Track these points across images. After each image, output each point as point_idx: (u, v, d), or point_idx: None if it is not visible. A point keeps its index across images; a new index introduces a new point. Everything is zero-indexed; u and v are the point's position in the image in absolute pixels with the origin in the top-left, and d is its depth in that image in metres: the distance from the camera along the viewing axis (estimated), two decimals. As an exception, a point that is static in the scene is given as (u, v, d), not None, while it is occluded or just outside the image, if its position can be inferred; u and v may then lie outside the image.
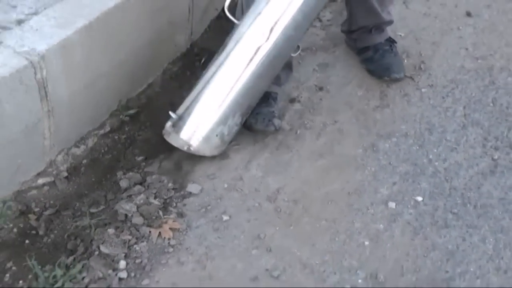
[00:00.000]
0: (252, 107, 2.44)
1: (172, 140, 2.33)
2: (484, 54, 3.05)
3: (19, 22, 2.22)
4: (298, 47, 2.51)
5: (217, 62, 2.33)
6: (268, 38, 2.27)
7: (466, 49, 3.06)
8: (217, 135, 2.33)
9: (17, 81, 2.06)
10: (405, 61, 2.93)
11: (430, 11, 3.25)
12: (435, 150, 2.55)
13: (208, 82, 2.31)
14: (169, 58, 2.78)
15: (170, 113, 2.31)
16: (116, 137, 2.52)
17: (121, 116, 2.57)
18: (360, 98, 2.78)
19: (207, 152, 2.36)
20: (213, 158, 2.46)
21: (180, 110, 2.33)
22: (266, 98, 2.55)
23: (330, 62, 2.94)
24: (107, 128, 2.53)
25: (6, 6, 2.28)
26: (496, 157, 2.53)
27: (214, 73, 2.31)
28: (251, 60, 2.29)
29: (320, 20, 3.09)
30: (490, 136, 2.63)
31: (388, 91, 2.80)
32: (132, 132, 2.56)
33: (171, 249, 2.11)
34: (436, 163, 2.49)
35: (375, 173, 2.44)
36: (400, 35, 3.01)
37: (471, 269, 2.12)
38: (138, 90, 2.67)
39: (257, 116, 2.48)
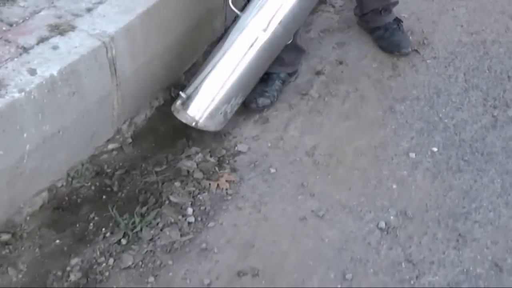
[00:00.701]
0: (252, 88, 2.48)
1: (181, 116, 2.34)
2: (477, 29, 3.12)
3: (88, 10, 2.28)
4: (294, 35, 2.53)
5: (222, 49, 2.35)
6: (266, 29, 2.31)
7: (461, 26, 3.13)
8: (221, 113, 2.36)
9: (93, 59, 2.15)
10: (411, 37, 3.00)
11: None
12: (444, 110, 2.65)
13: (214, 66, 2.33)
14: (208, 41, 2.82)
15: (180, 93, 2.34)
16: (168, 109, 2.56)
17: (171, 91, 2.64)
18: (375, 69, 2.85)
19: (211, 127, 2.38)
20: (255, 122, 2.56)
21: (189, 90, 2.34)
22: (264, 78, 2.58)
23: (346, 41, 3.00)
24: (161, 101, 2.62)
25: None
26: (495, 114, 2.65)
27: (220, 58, 2.33)
28: (250, 47, 2.32)
29: (333, 6, 3.14)
30: (488, 97, 2.73)
31: (399, 63, 2.88)
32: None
33: (229, 197, 2.24)
34: (446, 120, 2.61)
35: (395, 130, 2.54)
36: (404, 16, 3.06)
37: (484, 204, 2.27)
38: (184, 69, 2.71)
39: (250, 93, 2.52)
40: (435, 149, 2.48)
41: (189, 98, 2.32)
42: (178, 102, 2.35)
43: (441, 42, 3.04)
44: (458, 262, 2.07)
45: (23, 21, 2.21)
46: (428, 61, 2.93)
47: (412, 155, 2.45)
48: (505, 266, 2.06)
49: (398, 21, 2.99)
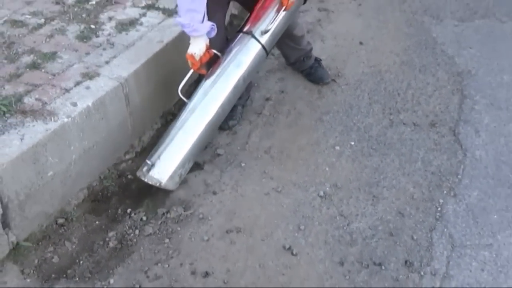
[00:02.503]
0: (202, 151, 2.48)
1: (147, 179, 2.28)
2: (374, 64, 3.24)
3: (107, 62, 2.47)
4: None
5: (176, 125, 2.34)
6: (210, 109, 2.36)
7: (363, 62, 3.26)
8: (178, 175, 2.32)
9: (114, 94, 2.35)
10: (329, 71, 3.08)
11: (338, 43, 3.45)
12: (356, 117, 2.83)
13: (171, 140, 2.31)
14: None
15: (146, 160, 2.29)
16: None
17: (166, 117, 2.77)
18: (307, 94, 2.98)
19: (171, 187, 2.33)
20: (227, 134, 2.68)
21: (153, 159, 2.29)
22: (231, 109, 2.57)
23: (285, 77, 3.11)
24: (159, 125, 2.74)
25: (97, 54, 2.52)
26: (391, 118, 2.83)
27: (175, 134, 2.32)
28: (197, 125, 2.34)
29: (273, 54, 3.22)
30: (386, 108, 2.91)
31: (322, 89, 3.02)
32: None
33: (215, 184, 2.42)
34: (358, 124, 2.78)
35: (324, 132, 2.72)
36: (323, 58, 3.15)
37: (389, 176, 2.49)
38: (174, 101, 2.76)
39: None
40: (352, 143, 2.67)
41: (153, 165, 2.28)
42: (145, 168, 2.29)
43: (350, 74, 3.15)
44: (374, 213, 2.31)
45: (62, 72, 2.40)
46: (342, 87, 3.05)
47: (337, 147, 2.64)
48: (405, 213, 2.31)
49: (318, 60, 3.05)
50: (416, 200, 2.38)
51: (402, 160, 2.59)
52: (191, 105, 2.37)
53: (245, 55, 2.44)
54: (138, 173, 2.32)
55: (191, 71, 2.39)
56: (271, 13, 2.46)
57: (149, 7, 2.97)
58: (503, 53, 3.36)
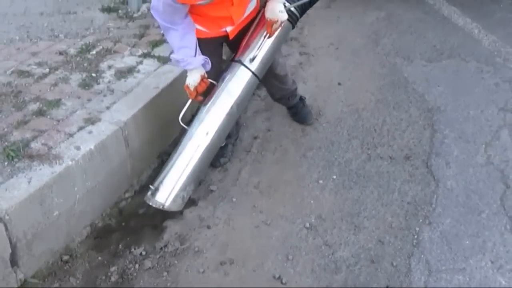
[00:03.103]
0: (203, 175, 2.51)
1: (152, 203, 2.28)
2: (352, 103, 3.26)
3: (107, 108, 2.50)
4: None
5: (177, 152, 2.34)
6: (208, 134, 2.35)
7: (342, 101, 3.28)
8: (180, 198, 2.31)
9: (114, 138, 2.37)
10: (312, 110, 3.09)
11: (318, 84, 3.42)
12: (337, 153, 2.85)
13: (172, 165, 2.31)
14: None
15: (150, 186, 2.31)
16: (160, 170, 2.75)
17: (163, 157, 2.73)
18: (291, 132, 3.00)
19: (174, 208, 2.33)
20: (219, 171, 2.70)
21: (156, 183, 2.29)
22: (221, 146, 2.59)
23: (271, 116, 3.13)
24: (156, 165, 2.74)
25: (98, 101, 2.55)
26: (369, 152, 2.85)
27: (176, 159, 2.31)
28: (197, 149, 2.33)
29: (259, 96, 3.29)
30: (364, 143, 2.92)
31: (306, 128, 3.04)
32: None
33: (209, 218, 2.43)
34: (339, 159, 2.80)
35: (308, 167, 2.74)
36: (306, 97, 3.13)
37: (368, 207, 2.51)
38: (169, 142, 2.80)
39: (214, 156, 2.51)
40: (334, 177, 2.69)
41: (157, 189, 2.28)
42: (149, 192, 2.30)
43: (331, 112, 3.18)
44: (356, 242, 2.33)
45: (66, 117, 2.42)
46: (323, 124, 3.07)
47: (321, 181, 2.66)
48: (385, 241, 2.34)
49: (302, 100, 3.04)
50: (395, 229, 2.41)
51: (380, 192, 2.63)
52: (189, 132, 2.37)
53: (236, 82, 2.43)
54: (145, 198, 2.32)
55: (190, 100, 2.41)
56: (258, 41, 2.44)
57: (145, 55, 3.02)
58: (468, 90, 3.43)
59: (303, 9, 2.52)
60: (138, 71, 2.84)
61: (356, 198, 2.59)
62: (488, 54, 3.84)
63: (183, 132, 2.41)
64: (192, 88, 2.34)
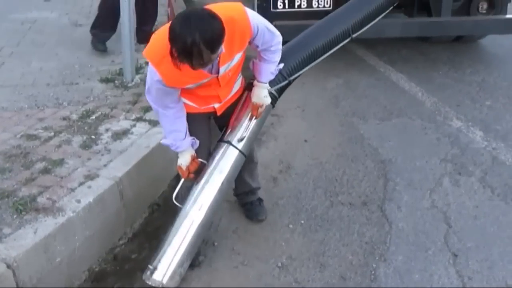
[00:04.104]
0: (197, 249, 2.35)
1: (151, 282, 2.18)
2: (316, 157, 3.28)
3: (105, 165, 2.56)
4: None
5: (173, 230, 2.26)
6: (199, 211, 2.28)
7: (308, 155, 3.32)
8: (177, 275, 2.23)
9: (111, 191, 2.45)
10: (282, 164, 3.17)
11: (287, 141, 3.55)
12: (304, 200, 2.89)
13: (169, 245, 2.23)
14: (171, 175, 2.86)
15: (149, 265, 2.22)
16: (150, 220, 2.76)
17: (153, 207, 2.79)
18: (264, 184, 2.94)
19: (172, 285, 2.23)
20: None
21: (154, 263, 2.21)
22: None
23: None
24: (147, 215, 2.77)
25: (96, 159, 2.62)
26: (331, 199, 2.88)
27: (172, 239, 2.24)
28: (190, 227, 2.25)
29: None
30: (327, 191, 2.97)
31: (277, 179, 3.06)
32: (161, 221, 2.68)
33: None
34: (306, 206, 2.83)
35: (280, 214, 2.76)
36: (276, 153, 3.25)
37: (332, 247, 2.55)
38: (159, 193, 2.79)
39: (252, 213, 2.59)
40: (302, 222, 2.73)
41: (155, 269, 2.20)
42: (148, 272, 2.20)
43: (298, 165, 3.22)
44: (322, 278, 2.37)
45: (69, 175, 2.49)
46: (292, 176, 3.11)
47: (291, 226, 2.69)
48: (347, 277, 2.38)
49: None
50: (355, 266, 2.46)
51: (342, 234, 2.66)
52: (183, 210, 2.28)
53: (225, 161, 2.37)
54: (143, 277, 2.22)
55: (182, 179, 2.34)
56: (244, 122, 2.41)
57: (138, 119, 3.12)
58: (415, 144, 3.56)
59: (282, 90, 2.52)
60: (132, 133, 2.94)
61: (321, 240, 2.63)
62: (430, 113, 4.00)
63: (177, 210, 2.32)
64: (184, 168, 2.29)
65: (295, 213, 2.84)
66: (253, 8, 4.13)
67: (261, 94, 2.33)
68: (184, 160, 2.28)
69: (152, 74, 2.00)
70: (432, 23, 4.48)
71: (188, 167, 2.29)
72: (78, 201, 2.32)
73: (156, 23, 4.47)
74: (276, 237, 2.66)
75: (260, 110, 2.37)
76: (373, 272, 2.45)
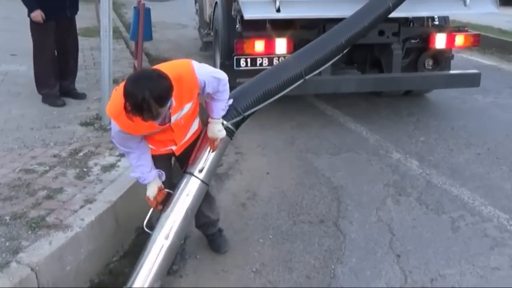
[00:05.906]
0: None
1: None
2: (278, 186, 3.74)
3: (100, 191, 2.98)
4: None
5: (144, 254, 2.45)
6: (167, 239, 2.47)
7: (271, 185, 3.80)
8: None
9: (108, 213, 2.86)
10: (248, 192, 3.67)
11: (251, 174, 4.04)
12: (270, 220, 3.34)
13: (141, 266, 2.42)
14: None
15: (123, 287, 2.37)
16: (138, 240, 3.10)
17: (139, 230, 3.04)
18: (234, 209, 3.43)
19: None
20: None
21: (128, 284, 2.41)
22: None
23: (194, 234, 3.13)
24: (135, 234, 3.09)
25: (92, 188, 3.02)
26: (294, 219, 3.39)
27: (144, 262, 2.44)
28: (159, 253, 2.44)
29: None
30: (289, 213, 3.44)
31: (246, 204, 3.52)
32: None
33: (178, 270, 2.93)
34: (273, 225, 3.30)
35: (251, 232, 3.25)
36: (242, 184, 3.76)
37: (297, 255, 3.03)
38: (146, 217, 2.92)
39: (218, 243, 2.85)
40: (270, 236, 3.20)
41: None
42: None
43: (263, 193, 3.67)
44: (291, 278, 2.84)
45: (70, 200, 2.90)
46: (259, 202, 3.55)
47: (261, 240, 3.15)
48: (311, 276, 2.89)
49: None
50: (317, 268, 2.97)
51: (304, 244, 3.15)
52: (153, 236, 2.47)
53: (188, 191, 2.59)
54: None
55: (151, 209, 2.59)
56: (204, 155, 2.63)
57: (122, 155, 3.53)
58: (362, 173, 4.19)
59: (238, 124, 2.75)
60: (119, 166, 3.40)
61: (288, 250, 3.09)
62: (374, 148, 4.68)
63: (147, 236, 2.53)
64: (152, 199, 2.52)
65: (264, 230, 3.34)
66: (215, 66, 4.48)
67: (215, 129, 2.56)
68: (152, 191, 2.52)
69: (113, 125, 2.32)
70: (385, 79, 4.88)
71: (155, 197, 2.52)
72: (82, 220, 2.73)
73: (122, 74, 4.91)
74: (249, 249, 3.15)
75: (216, 143, 2.61)
76: (332, 272, 3.00)
